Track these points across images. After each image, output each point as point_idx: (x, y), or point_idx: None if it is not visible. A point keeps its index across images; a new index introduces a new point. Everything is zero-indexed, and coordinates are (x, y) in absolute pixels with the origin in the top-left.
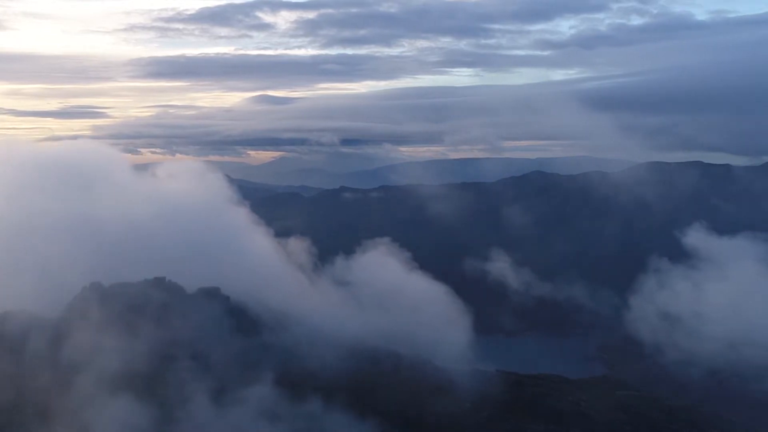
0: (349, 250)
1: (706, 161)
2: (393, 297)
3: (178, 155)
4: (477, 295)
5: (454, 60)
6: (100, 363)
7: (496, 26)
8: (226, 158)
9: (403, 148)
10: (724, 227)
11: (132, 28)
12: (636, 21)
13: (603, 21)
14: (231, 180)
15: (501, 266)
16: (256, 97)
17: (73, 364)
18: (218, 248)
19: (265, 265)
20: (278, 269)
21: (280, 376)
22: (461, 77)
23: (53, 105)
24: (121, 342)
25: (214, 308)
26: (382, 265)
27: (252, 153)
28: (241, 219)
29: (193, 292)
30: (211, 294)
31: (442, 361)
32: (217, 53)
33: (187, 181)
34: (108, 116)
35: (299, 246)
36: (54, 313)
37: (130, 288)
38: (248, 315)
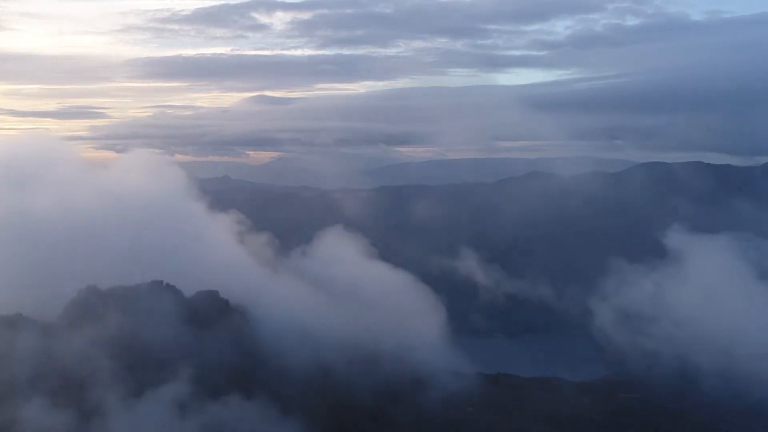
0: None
1: (706, 161)
2: (372, 295)
3: (177, 155)
4: (461, 296)
5: (450, 60)
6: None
7: (492, 26)
8: (226, 158)
9: (402, 149)
10: (716, 227)
11: (128, 28)
12: (631, 21)
13: (598, 21)
14: (230, 180)
15: (484, 268)
16: (254, 97)
17: None
18: (172, 243)
19: (225, 259)
20: (239, 263)
21: (212, 373)
22: (458, 77)
23: (52, 105)
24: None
25: (167, 304)
26: (360, 263)
27: (251, 153)
28: (199, 213)
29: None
30: (167, 290)
31: (424, 360)
32: (214, 53)
33: (142, 176)
34: (107, 116)
35: (265, 241)
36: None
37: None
38: (208, 310)
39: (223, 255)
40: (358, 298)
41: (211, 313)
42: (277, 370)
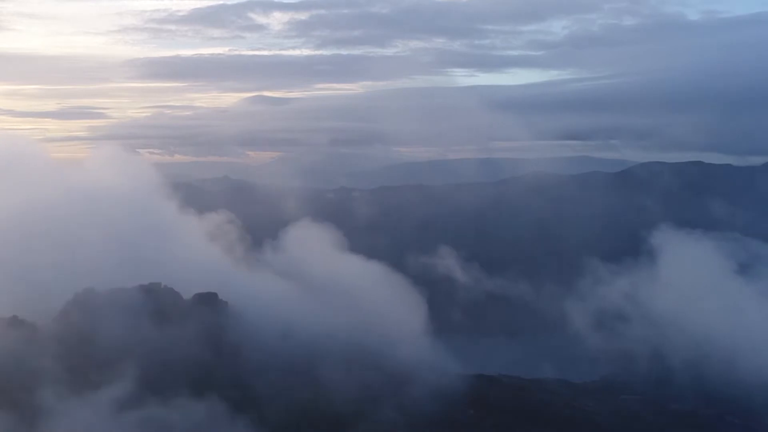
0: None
1: (706, 161)
2: (355, 292)
3: (176, 155)
4: (446, 294)
5: (448, 60)
6: None
7: (490, 27)
8: (225, 158)
9: (402, 149)
10: (706, 226)
11: (125, 29)
12: (628, 21)
13: (595, 21)
14: (230, 180)
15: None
16: (252, 97)
17: None
18: (143, 241)
19: (197, 255)
20: (211, 259)
21: (189, 374)
22: (456, 77)
23: (51, 106)
24: None
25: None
26: (341, 260)
27: (251, 153)
28: (171, 210)
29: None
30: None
31: (423, 359)
32: (212, 54)
33: (111, 174)
34: (106, 117)
35: (253, 240)
36: None
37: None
38: (202, 312)
39: (196, 253)
40: (340, 295)
41: (205, 314)
42: (259, 370)
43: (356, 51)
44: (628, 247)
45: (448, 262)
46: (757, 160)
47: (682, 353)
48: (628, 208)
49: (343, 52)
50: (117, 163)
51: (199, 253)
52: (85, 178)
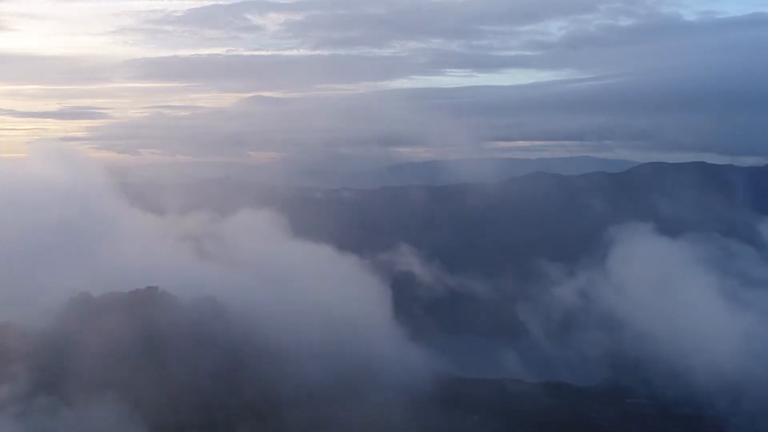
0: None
1: (709, 162)
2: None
3: (177, 156)
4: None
5: (446, 61)
6: None
7: (487, 27)
8: (226, 159)
9: (403, 149)
10: (692, 227)
11: (122, 30)
12: (624, 22)
13: (592, 22)
14: (231, 180)
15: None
16: (251, 98)
17: None
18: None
19: (140, 252)
20: (160, 255)
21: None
22: (454, 78)
23: (52, 106)
24: None
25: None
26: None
27: (251, 153)
28: (120, 206)
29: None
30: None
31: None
32: (210, 54)
33: (55, 172)
34: (106, 117)
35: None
36: None
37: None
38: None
39: (139, 250)
40: (298, 285)
41: (206, 320)
42: (193, 367)
43: (354, 51)
44: (606, 248)
45: (427, 262)
46: (757, 161)
47: (676, 355)
48: (626, 208)
49: (341, 52)
50: (57, 160)
51: (144, 250)
52: (26, 176)
